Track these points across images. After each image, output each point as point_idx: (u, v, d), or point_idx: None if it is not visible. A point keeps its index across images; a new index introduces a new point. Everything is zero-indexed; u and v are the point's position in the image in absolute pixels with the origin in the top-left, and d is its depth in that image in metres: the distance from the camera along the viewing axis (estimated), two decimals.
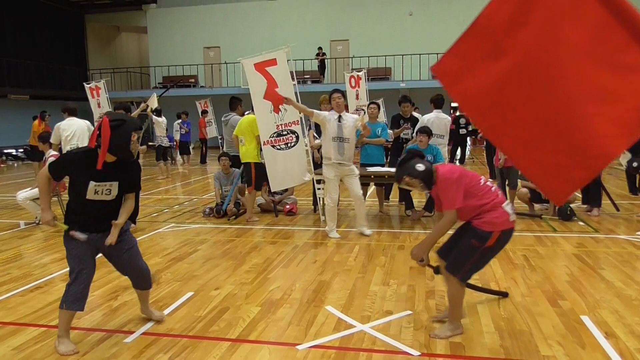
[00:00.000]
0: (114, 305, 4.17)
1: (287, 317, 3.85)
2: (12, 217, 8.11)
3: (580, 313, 3.82)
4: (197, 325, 3.74)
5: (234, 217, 7.60)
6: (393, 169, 7.37)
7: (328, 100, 7.60)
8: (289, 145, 7.23)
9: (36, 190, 7.43)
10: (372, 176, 7.25)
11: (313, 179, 7.41)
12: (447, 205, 3.30)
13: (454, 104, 20.73)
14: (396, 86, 22.27)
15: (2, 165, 18.72)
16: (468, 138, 15.83)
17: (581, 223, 6.89)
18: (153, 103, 10.35)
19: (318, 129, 7.85)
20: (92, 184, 3.22)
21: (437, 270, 3.71)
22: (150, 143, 15.91)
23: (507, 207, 3.31)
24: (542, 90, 2.27)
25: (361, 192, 6.39)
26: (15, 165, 19.58)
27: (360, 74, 12.83)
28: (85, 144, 5.68)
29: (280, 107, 7.16)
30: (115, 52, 29.90)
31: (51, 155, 6.92)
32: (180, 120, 16.26)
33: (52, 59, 24.57)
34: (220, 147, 15.28)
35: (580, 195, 7.81)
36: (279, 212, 7.87)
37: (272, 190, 7.58)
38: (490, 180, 3.46)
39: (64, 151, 6.87)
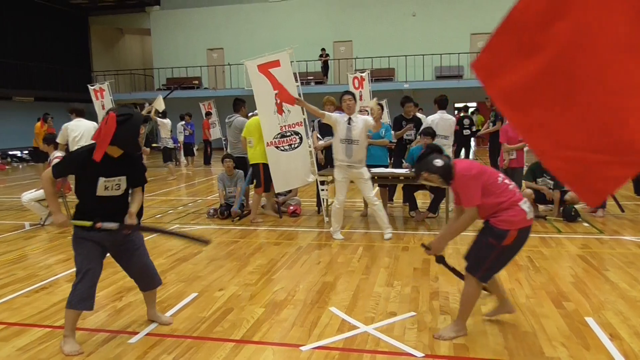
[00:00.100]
0: (118, 306, 4.19)
1: (291, 318, 3.85)
2: (17, 219, 8.15)
3: (585, 314, 3.81)
4: (201, 325, 3.75)
5: (238, 218, 7.61)
6: (397, 170, 7.40)
7: (332, 102, 7.62)
8: (292, 146, 7.24)
9: (41, 191, 7.46)
10: (376, 177, 7.24)
11: (317, 180, 7.41)
12: (466, 202, 3.31)
13: (458, 105, 20.69)
14: (400, 87, 22.27)
15: (7, 167, 18.80)
16: (472, 139, 15.80)
17: (586, 224, 6.87)
18: (160, 105, 10.40)
19: (322, 131, 7.86)
20: (101, 180, 3.25)
21: (440, 259, 3.71)
22: (154, 145, 15.96)
23: (524, 205, 3.30)
24: (581, 86, 2.19)
25: (371, 195, 6.30)
26: (20, 166, 19.66)
27: (363, 74, 12.84)
28: None
29: (283, 108, 7.17)
30: (118, 54, 30.00)
31: (56, 157, 6.94)
32: (184, 122, 16.31)
33: (56, 61, 24.67)
34: (224, 149, 15.32)
35: None
36: (282, 213, 7.88)
37: (276, 191, 7.58)
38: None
39: None
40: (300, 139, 7.22)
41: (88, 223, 3.29)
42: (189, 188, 11.92)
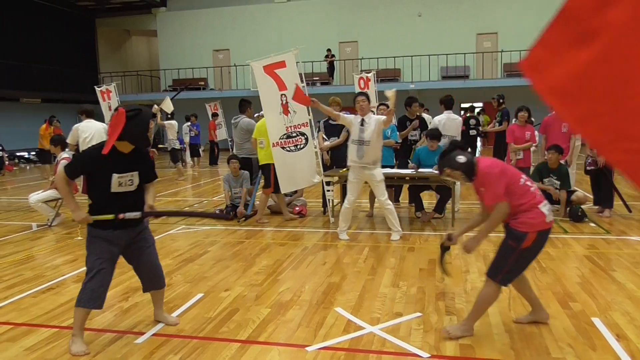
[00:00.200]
0: (124, 306, 4.21)
1: (296, 319, 3.86)
2: (25, 219, 8.20)
3: (591, 315, 3.79)
4: (207, 326, 3.77)
5: (244, 219, 7.62)
6: (402, 171, 7.38)
7: (337, 102, 7.61)
8: (298, 147, 7.25)
9: (48, 192, 7.51)
10: None
11: (322, 181, 7.42)
12: (490, 199, 3.30)
13: (464, 105, 20.63)
14: (406, 87, 22.18)
15: (14, 168, 18.92)
16: (478, 138, 15.75)
17: (592, 224, 6.84)
18: (168, 107, 10.43)
19: (327, 131, 7.86)
20: (115, 176, 3.29)
21: (445, 249, 3.72)
22: (160, 146, 16.01)
23: (543, 208, 3.28)
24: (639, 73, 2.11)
25: (384, 197, 6.21)
26: (28, 168, 19.79)
27: (369, 75, 12.80)
28: None
29: (289, 109, 7.18)
30: (125, 56, 30.13)
31: (63, 158, 6.96)
32: (190, 123, 16.35)
33: (64, 62, 24.79)
34: (230, 150, 15.36)
35: (592, 197, 7.75)
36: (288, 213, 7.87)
37: (282, 192, 7.58)
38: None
39: None
40: (306, 139, 7.23)
41: (110, 216, 3.34)
42: (195, 189, 11.96)
